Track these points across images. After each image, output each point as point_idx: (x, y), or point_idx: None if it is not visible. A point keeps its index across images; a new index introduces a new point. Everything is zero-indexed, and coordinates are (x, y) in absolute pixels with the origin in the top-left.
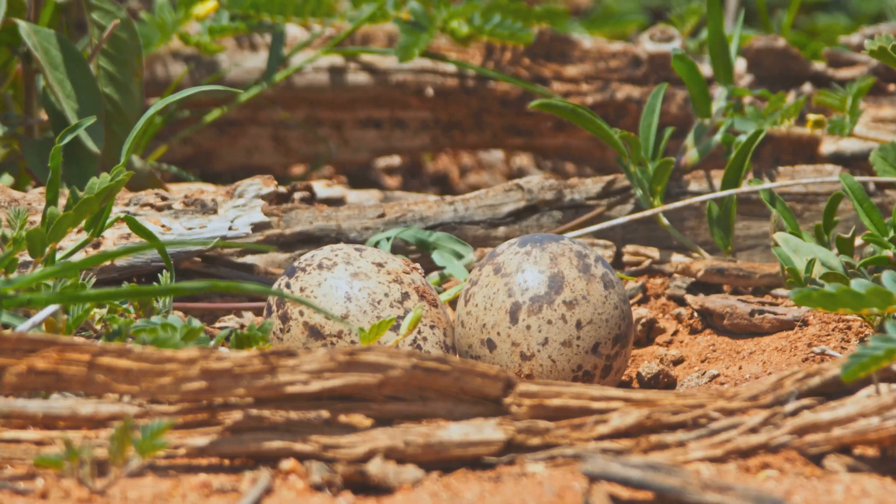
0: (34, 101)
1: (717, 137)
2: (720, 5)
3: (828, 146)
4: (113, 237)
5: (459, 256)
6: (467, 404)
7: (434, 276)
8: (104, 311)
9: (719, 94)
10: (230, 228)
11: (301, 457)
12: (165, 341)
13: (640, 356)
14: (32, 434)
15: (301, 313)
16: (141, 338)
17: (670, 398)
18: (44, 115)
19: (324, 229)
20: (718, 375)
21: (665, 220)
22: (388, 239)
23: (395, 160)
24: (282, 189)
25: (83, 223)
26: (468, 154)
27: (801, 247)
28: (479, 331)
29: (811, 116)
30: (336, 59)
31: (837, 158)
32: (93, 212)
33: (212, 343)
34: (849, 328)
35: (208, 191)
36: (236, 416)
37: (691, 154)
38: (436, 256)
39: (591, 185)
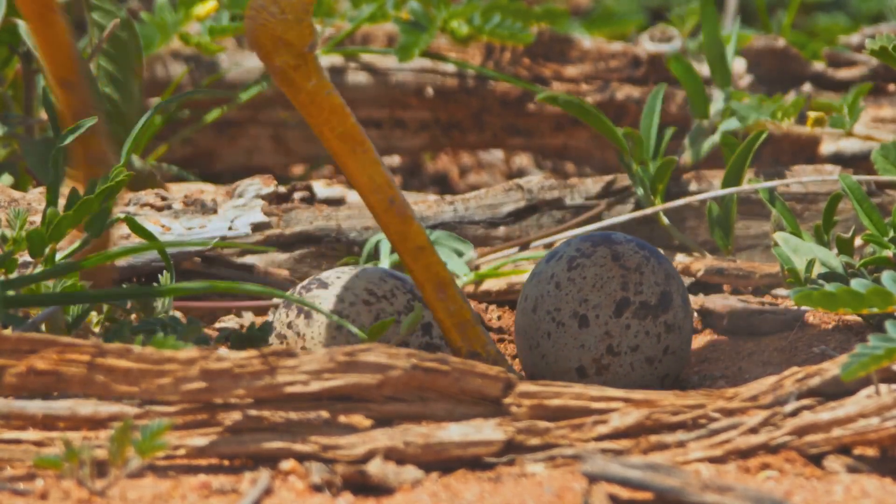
0: (34, 101)
1: (716, 138)
2: (714, 8)
3: (828, 146)
4: (113, 237)
5: (460, 254)
6: (467, 405)
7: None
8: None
9: (717, 95)
10: (230, 228)
11: (301, 457)
12: (165, 341)
13: None
14: (32, 435)
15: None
16: (141, 338)
17: (670, 398)
18: (44, 115)
19: (324, 229)
20: (719, 375)
21: (666, 220)
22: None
23: (395, 160)
24: (282, 189)
25: (83, 223)
26: (468, 154)
27: (801, 247)
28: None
29: (811, 114)
30: (336, 59)
31: (837, 159)
32: (93, 212)
33: (211, 343)
34: (849, 328)
35: (208, 191)
36: (236, 416)
37: (689, 154)
38: None
39: (591, 184)
